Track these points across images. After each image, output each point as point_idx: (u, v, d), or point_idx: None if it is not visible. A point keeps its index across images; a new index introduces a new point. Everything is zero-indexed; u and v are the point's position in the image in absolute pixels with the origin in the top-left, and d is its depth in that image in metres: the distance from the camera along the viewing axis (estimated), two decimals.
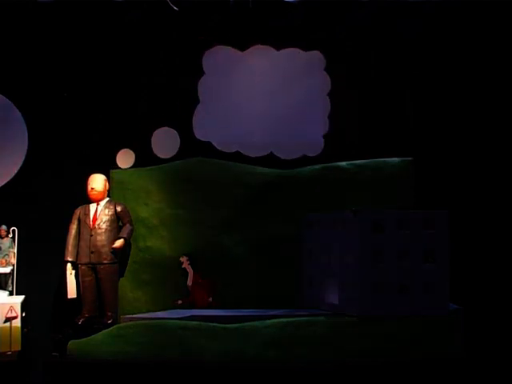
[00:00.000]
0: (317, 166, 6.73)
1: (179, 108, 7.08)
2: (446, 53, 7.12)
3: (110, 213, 6.36)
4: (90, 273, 6.27)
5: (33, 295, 6.44)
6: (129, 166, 6.85)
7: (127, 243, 6.37)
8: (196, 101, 7.13)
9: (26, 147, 6.93)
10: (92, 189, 6.36)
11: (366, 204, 6.30)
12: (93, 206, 6.38)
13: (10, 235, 6.35)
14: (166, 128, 7.04)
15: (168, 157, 6.97)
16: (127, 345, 5.48)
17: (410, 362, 5.41)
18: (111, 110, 7.01)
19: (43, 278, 6.73)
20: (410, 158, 6.65)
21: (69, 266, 6.29)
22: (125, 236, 6.30)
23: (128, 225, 6.37)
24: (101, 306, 6.28)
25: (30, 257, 6.63)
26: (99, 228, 6.29)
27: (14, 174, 6.89)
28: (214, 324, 5.52)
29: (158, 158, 6.97)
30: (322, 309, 5.91)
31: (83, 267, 6.27)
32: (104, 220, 6.32)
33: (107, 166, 6.70)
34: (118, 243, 6.25)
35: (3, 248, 6.30)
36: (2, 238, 6.33)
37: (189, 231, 6.58)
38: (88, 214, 6.34)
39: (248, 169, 6.75)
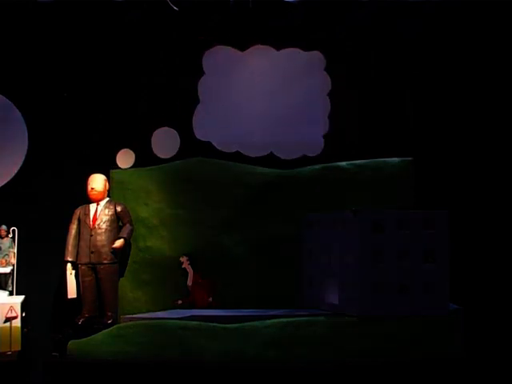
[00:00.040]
0: (317, 166, 6.73)
1: (179, 108, 7.08)
2: (445, 53, 7.12)
3: (110, 213, 6.36)
4: (89, 273, 6.27)
5: (33, 295, 6.44)
6: (129, 166, 6.85)
7: (127, 243, 6.37)
8: (196, 101, 7.13)
9: (25, 147, 6.93)
10: (92, 189, 6.36)
11: (366, 204, 6.30)
12: (93, 206, 6.38)
13: (10, 235, 6.35)
14: (166, 128, 7.04)
15: (168, 157, 6.97)
16: (127, 345, 5.48)
17: (410, 361, 5.41)
18: (111, 110, 7.01)
19: (43, 278, 6.73)
20: (410, 158, 6.65)
21: (69, 266, 6.29)
22: (125, 236, 6.30)
23: (128, 225, 6.37)
24: (101, 306, 6.28)
25: (30, 257, 6.63)
26: (99, 228, 6.29)
27: (14, 174, 6.89)
28: (214, 324, 5.52)
29: (158, 158, 6.97)
30: (322, 309, 5.91)
31: (83, 267, 6.27)
32: (104, 220, 6.32)
33: (107, 166, 6.70)
34: (118, 243, 6.25)
35: (3, 248, 6.30)
36: (2, 237, 6.33)
37: (189, 231, 6.58)
38: (88, 214, 6.34)
39: (248, 169, 6.75)
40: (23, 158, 6.92)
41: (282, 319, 5.55)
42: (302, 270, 6.34)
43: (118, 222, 6.41)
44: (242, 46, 7.17)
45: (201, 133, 7.12)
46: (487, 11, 7.03)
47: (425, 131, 7.08)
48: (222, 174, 6.67)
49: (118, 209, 6.39)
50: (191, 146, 7.02)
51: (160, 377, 5.36)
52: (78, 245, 6.31)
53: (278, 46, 7.18)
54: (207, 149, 7.04)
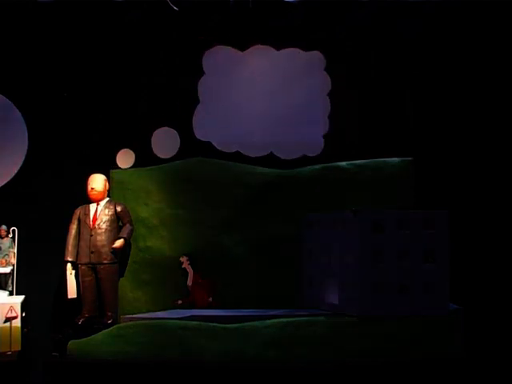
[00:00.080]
0: (317, 166, 6.73)
1: (179, 108, 7.08)
2: (445, 53, 7.12)
3: (110, 213, 6.36)
4: (89, 273, 6.26)
5: (33, 295, 6.44)
6: (129, 166, 6.85)
7: (127, 243, 6.37)
8: (196, 101, 7.13)
9: (26, 147, 6.93)
10: (92, 189, 6.36)
11: (366, 204, 6.30)
12: (93, 206, 6.38)
13: (10, 235, 6.35)
14: (166, 128, 7.04)
15: (168, 157, 6.97)
16: (127, 345, 5.48)
17: (410, 361, 5.41)
18: (111, 110, 7.01)
19: (43, 277, 6.73)
20: (410, 158, 6.65)
21: (69, 266, 6.29)
22: (125, 236, 6.30)
23: (128, 225, 6.37)
24: (101, 306, 6.28)
25: (30, 257, 6.63)
26: (99, 228, 6.29)
27: (14, 174, 6.89)
28: (214, 324, 5.52)
29: (158, 157, 6.97)
30: (322, 309, 5.91)
31: (83, 267, 6.27)
32: (104, 220, 6.32)
33: (107, 166, 6.70)
34: (118, 243, 6.25)
35: (3, 248, 6.30)
36: (2, 237, 6.33)
37: (189, 231, 6.58)
38: (88, 214, 6.34)
39: (248, 169, 6.75)
40: (23, 157, 6.92)
41: (281, 319, 5.55)
42: (302, 269, 6.34)
43: (118, 222, 6.41)
44: (242, 46, 7.17)
45: (201, 133, 7.12)
46: (487, 11, 7.03)
47: (425, 131, 7.08)
48: (222, 173, 6.67)
49: (118, 209, 6.39)
50: (191, 146, 7.02)
51: (160, 377, 5.36)
52: (78, 245, 6.31)
53: (278, 46, 7.18)
54: (207, 149, 7.04)
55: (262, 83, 7.18)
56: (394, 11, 7.09)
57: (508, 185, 6.97)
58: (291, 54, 7.19)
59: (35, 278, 6.67)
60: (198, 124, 7.13)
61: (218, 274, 6.49)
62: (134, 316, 5.91)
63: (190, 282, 6.43)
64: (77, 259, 6.29)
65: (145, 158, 6.88)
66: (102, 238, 6.27)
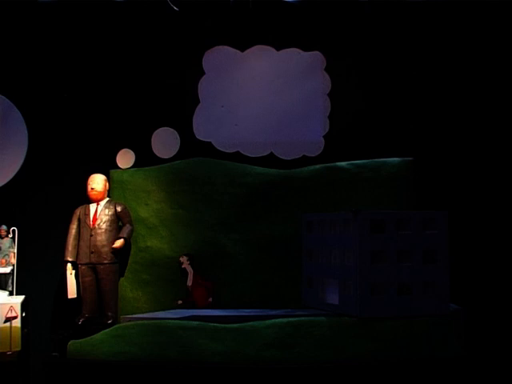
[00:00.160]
0: (317, 166, 6.72)
1: (179, 108, 7.09)
2: (445, 53, 7.13)
3: (110, 213, 6.36)
4: (89, 273, 6.26)
5: (33, 295, 6.43)
6: (129, 166, 6.85)
7: (127, 243, 6.37)
8: (196, 101, 7.13)
9: (25, 147, 6.93)
10: (92, 189, 6.36)
11: (366, 204, 6.31)
12: (93, 206, 6.38)
13: (10, 235, 6.35)
14: (165, 128, 7.05)
15: (168, 157, 6.97)
16: (127, 345, 5.48)
17: (410, 361, 5.41)
18: (111, 110, 7.01)
19: (43, 278, 6.74)
20: (410, 158, 6.65)
21: (69, 265, 6.29)
22: (125, 236, 6.30)
23: (128, 225, 6.37)
24: (101, 306, 6.28)
25: (30, 257, 6.64)
26: (99, 228, 6.29)
27: (14, 174, 6.89)
28: (214, 324, 5.51)
29: (158, 157, 6.97)
30: (321, 309, 5.91)
31: (83, 267, 6.27)
32: (104, 220, 6.32)
33: (107, 166, 6.71)
34: (118, 243, 6.25)
35: (3, 248, 6.30)
36: (2, 237, 6.33)
37: (189, 231, 6.58)
38: (88, 214, 6.34)
39: (248, 169, 6.75)
40: (23, 157, 6.92)
41: (282, 319, 5.54)
42: (302, 270, 6.34)
43: (118, 222, 6.41)
44: (242, 46, 7.18)
45: (201, 133, 7.13)
46: (487, 11, 7.04)
47: (425, 131, 7.08)
48: (222, 174, 6.67)
49: (118, 209, 6.39)
50: (191, 146, 7.02)
51: (160, 377, 5.36)
52: (78, 245, 6.31)
53: (278, 46, 7.18)
54: (207, 149, 7.04)
55: (261, 83, 7.19)
56: (393, 11, 7.09)
57: (508, 185, 6.97)
58: (291, 53, 7.20)
59: (35, 277, 6.67)
60: (198, 124, 7.13)
61: (218, 274, 6.49)
62: (134, 316, 5.91)
63: (189, 282, 6.43)
64: (77, 259, 6.29)
65: (145, 158, 6.88)
66: (102, 238, 6.27)
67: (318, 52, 7.17)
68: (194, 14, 7.02)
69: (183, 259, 6.45)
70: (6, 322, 5.90)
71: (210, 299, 6.39)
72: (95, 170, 6.51)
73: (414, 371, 5.38)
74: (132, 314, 6.06)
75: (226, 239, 6.57)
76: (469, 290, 6.61)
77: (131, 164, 6.88)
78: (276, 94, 7.17)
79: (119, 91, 7.02)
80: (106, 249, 6.25)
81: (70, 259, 6.29)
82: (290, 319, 5.54)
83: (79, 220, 6.36)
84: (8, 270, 6.27)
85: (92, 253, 6.23)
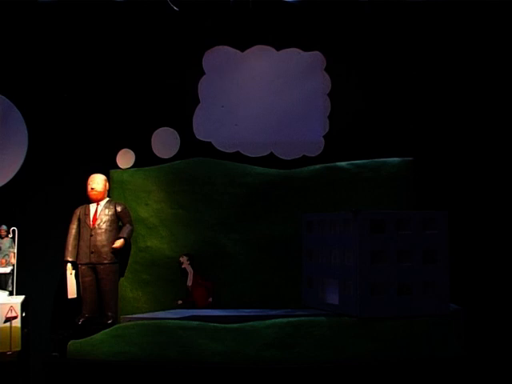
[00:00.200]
0: (317, 166, 6.72)
1: (179, 108, 7.09)
2: (445, 53, 7.13)
3: (110, 213, 6.36)
4: (89, 273, 6.26)
5: (33, 295, 6.43)
6: (129, 166, 6.85)
7: (127, 243, 6.37)
8: (196, 101, 7.13)
9: (25, 147, 6.93)
10: (92, 189, 6.36)
11: (366, 204, 6.31)
12: (93, 206, 6.38)
13: (10, 235, 6.35)
14: (165, 128, 7.04)
15: (168, 157, 6.97)
16: (127, 345, 5.47)
17: (410, 361, 5.41)
18: (111, 110, 7.01)
19: (43, 278, 6.74)
20: (410, 158, 6.65)
21: (69, 265, 6.29)
22: (125, 236, 6.29)
23: (128, 225, 6.37)
24: (101, 306, 6.28)
25: (30, 257, 6.64)
26: (99, 228, 6.29)
27: (14, 174, 6.89)
28: (214, 324, 5.51)
29: (158, 157, 6.97)
30: (321, 309, 5.91)
31: (83, 267, 6.27)
32: (104, 220, 6.32)
33: (107, 166, 6.71)
34: (118, 243, 6.25)
35: (3, 248, 6.30)
36: (2, 237, 6.33)
37: (189, 231, 6.58)
38: (88, 214, 6.34)
39: (248, 169, 6.75)
40: (23, 157, 6.92)
41: (282, 319, 5.54)
42: (302, 270, 6.34)
43: (118, 222, 6.41)
44: (242, 46, 7.18)
45: (201, 133, 7.13)
46: (487, 11, 7.04)
47: (425, 131, 7.08)
48: (222, 174, 6.67)
49: (118, 209, 6.39)
50: (191, 146, 7.02)
51: (160, 377, 5.36)
52: (78, 245, 6.31)
53: (278, 46, 7.18)
54: (207, 149, 7.04)
55: (261, 83, 7.19)
56: (393, 11, 7.09)
57: (508, 185, 6.97)
58: (291, 54, 7.20)
59: (35, 277, 6.67)
60: (198, 124, 7.13)
61: (218, 274, 6.49)
62: (134, 316, 5.91)
63: (189, 282, 6.43)
64: (77, 259, 6.29)
65: (145, 158, 6.88)
66: (102, 238, 6.27)
67: (318, 52, 7.17)
68: (194, 14, 7.02)
69: (183, 259, 6.45)
70: (5, 321, 5.90)
71: (210, 299, 6.39)
72: (95, 169, 6.50)
73: (414, 371, 5.38)
74: (132, 314, 6.05)
75: (226, 239, 6.57)
76: (469, 289, 6.61)
77: (131, 164, 6.87)
78: (276, 93, 7.17)
79: (119, 91, 7.02)
80: (106, 249, 6.25)
81: (70, 259, 6.29)
82: (290, 319, 5.54)
83: (79, 220, 6.36)
84: (8, 270, 6.27)
85: (92, 253, 6.23)
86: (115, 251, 6.27)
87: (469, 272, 6.76)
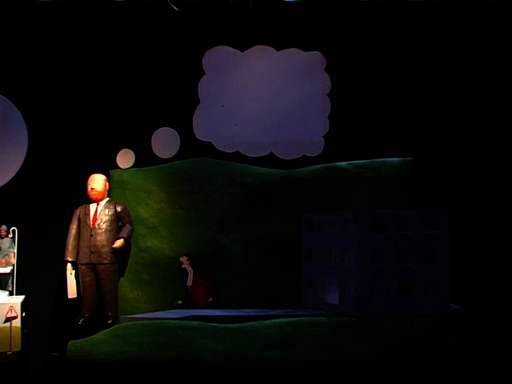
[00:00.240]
0: (317, 166, 6.72)
1: (179, 108, 7.09)
2: (445, 53, 7.13)
3: (110, 213, 6.36)
4: (89, 273, 6.26)
5: (33, 295, 6.43)
6: (129, 166, 6.85)
7: (127, 243, 6.37)
8: (196, 101, 7.13)
9: (25, 147, 6.93)
10: (92, 189, 6.36)
11: (366, 204, 6.30)
12: (93, 206, 6.38)
13: (10, 235, 6.35)
14: (165, 128, 7.04)
15: (168, 157, 6.97)
16: (127, 345, 5.47)
17: (410, 361, 5.41)
18: (111, 110, 7.01)
19: (43, 278, 6.74)
20: (410, 158, 6.65)
21: (69, 265, 6.29)
22: (125, 236, 6.29)
23: (128, 225, 6.37)
24: (101, 306, 6.28)
25: (30, 257, 6.64)
26: (99, 228, 6.29)
27: (14, 174, 6.89)
28: (214, 324, 5.51)
29: (158, 157, 6.97)
30: (321, 309, 5.91)
31: (83, 267, 6.27)
32: (104, 220, 6.32)
33: (107, 166, 6.71)
34: (118, 243, 6.25)
35: (3, 248, 6.30)
36: (2, 237, 6.33)
37: (189, 231, 6.58)
38: (88, 214, 6.34)
39: (248, 169, 6.75)
40: (23, 157, 6.92)
41: (282, 319, 5.54)
42: (302, 269, 6.34)
43: (118, 222, 6.41)
44: (242, 46, 7.18)
45: (201, 133, 7.13)
46: (487, 11, 7.04)
47: (425, 131, 7.08)
48: (222, 174, 6.67)
49: (118, 209, 6.39)
50: (191, 146, 7.02)
51: (160, 377, 5.36)
52: (78, 245, 6.31)
53: (278, 46, 7.18)
54: (207, 149, 7.04)
55: (261, 83, 7.19)
56: (393, 11, 7.09)
57: (508, 185, 6.97)
58: (291, 54, 7.20)
59: (35, 277, 6.67)
60: (198, 124, 7.13)
61: (218, 274, 6.49)
62: (134, 316, 5.91)
63: (189, 282, 6.43)
64: (77, 259, 6.29)
65: (145, 158, 6.88)
66: (102, 238, 6.27)
67: (318, 52, 7.17)
68: (194, 14, 7.02)
69: (183, 259, 6.45)
70: (5, 321, 5.90)
71: (210, 299, 6.39)
72: (95, 170, 6.50)
73: (414, 371, 5.38)
74: (132, 314, 6.05)
75: (226, 239, 6.57)
76: (469, 289, 6.61)
77: (131, 164, 6.87)
78: (276, 93, 7.17)
79: (119, 91, 7.02)
80: (106, 249, 6.25)
81: (69, 259, 6.29)
82: (290, 319, 5.54)
83: (79, 220, 6.36)
84: (8, 270, 6.27)
85: (92, 253, 6.23)
86: (115, 251, 6.27)
87: (469, 272, 6.76)
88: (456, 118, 7.09)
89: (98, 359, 5.46)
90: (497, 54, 7.08)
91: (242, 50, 7.19)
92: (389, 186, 6.55)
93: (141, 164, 6.83)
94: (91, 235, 6.27)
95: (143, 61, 7.05)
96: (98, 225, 6.30)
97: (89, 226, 6.30)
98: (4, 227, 6.35)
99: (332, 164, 6.69)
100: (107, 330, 5.62)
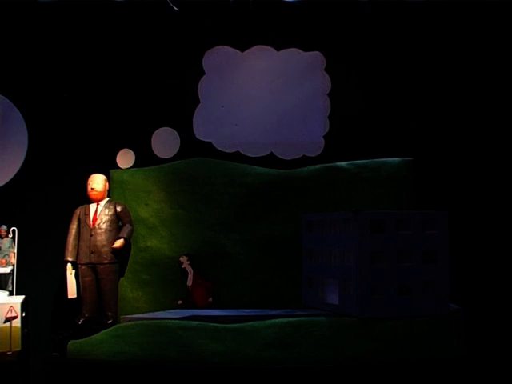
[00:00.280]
0: (317, 166, 6.72)
1: (179, 108, 7.09)
2: (445, 53, 7.13)
3: (110, 213, 6.36)
4: (89, 273, 6.26)
5: (33, 295, 6.43)
6: (129, 166, 6.85)
7: (127, 243, 6.37)
8: (196, 101, 7.13)
9: (25, 147, 6.94)
10: (92, 189, 6.36)
11: (366, 204, 6.30)
12: (93, 206, 6.38)
13: (10, 235, 6.35)
14: (165, 128, 7.05)
15: (168, 157, 6.97)
16: (127, 345, 5.47)
17: (410, 361, 5.41)
18: (111, 110, 7.01)
19: (43, 278, 6.74)
20: (410, 158, 6.65)
21: (69, 265, 6.29)
22: (125, 236, 6.29)
23: (128, 225, 6.37)
24: (101, 306, 6.28)
25: (30, 257, 6.64)
26: (99, 228, 6.29)
27: (14, 174, 6.89)
28: (214, 324, 5.51)
29: (158, 157, 6.97)
30: (321, 309, 5.91)
31: (83, 267, 6.27)
32: (104, 220, 6.32)
33: (107, 166, 6.71)
34: (118, 243, 6.25)
35: (3, 248, 6.30)
36: (2, 237, 6.33)
37: (189, 231, 6.58)
38: (88, 214, 6.34)
39: (248, 169, 6.75)
40: (23, 158, 6.92)
41: (282, 319, 5.54)
42: (302, 269, 6.34)
43: (118, 222, 6.41)
44: (242, 46, 7.18)
45: (201, 133, 7.13)
46: (487, 11, 7.04)
47: (425, 131, 7.08)
48: (222, 174, 6.67)
49: (118, 209, 6.39)
50: (191, 146, 7.02)
51: (160, 377, 5.36)
52: (78, 245, 6.31)
53: (278, 46, 7.18)
54: (207, 149, 7.04)
55: (261, 83, 7.19)
56: (393, 11, 7.09)
57: (508, 185, 6.97)
58: (291, 54, 7.20)
59: (35, 277, 6.67)
60: (198, 124, 7.13)
61: (218, 274, 6.49)
62: (134, 316, 5.91)
63: (189, 282, 6.43)
64: (77, 259, 6.29)
65: (145, 158, 6.88)
66: (102, 238, 6.27)
67: (318, 52, 7.17)
68: (194, 14, 7.02)
69: (183, 259, 6.45)
70: (5, 321, 5.90)
71: (210, 299, 6.39)
72: (95, 170, 6.50)
73: (414, 371, 5.38)
74: (132, 314, 6.05)
75: (226, 239, 6.57)
76: (469, 289, 6.61)
77: (131, 164, 6.87)
78: (276, 93, 7.17)
79: (119, 91, 7.02)
80: (106, 249, 6.25)
81: (69, 259, 6.29)
82: (290, 319, 5.54)
83: (79, 220, 6.36)
84: (8, 270, 6.27)
85: (92, 253, 6.23)
86: (115, 251, 6.27)
87: (469, 272, 6.76)
88: (456, 118, 7.09)
89: (97, 359, 5.46)
90: (497, 54, 7.08)
91: (242, 50, 7.19)
92: (389, 186, 6.55)
93: (141, 164, 6.83)
94: (91, 235, 6.27)
95: (143, 61, 7.05)
96: (98, 225, 6.30)
97: (89, 225, 6.30)
98: (4, 227, 6.35)
99: (332, 164, 6.69)
100: (107, 330, 5.62)
